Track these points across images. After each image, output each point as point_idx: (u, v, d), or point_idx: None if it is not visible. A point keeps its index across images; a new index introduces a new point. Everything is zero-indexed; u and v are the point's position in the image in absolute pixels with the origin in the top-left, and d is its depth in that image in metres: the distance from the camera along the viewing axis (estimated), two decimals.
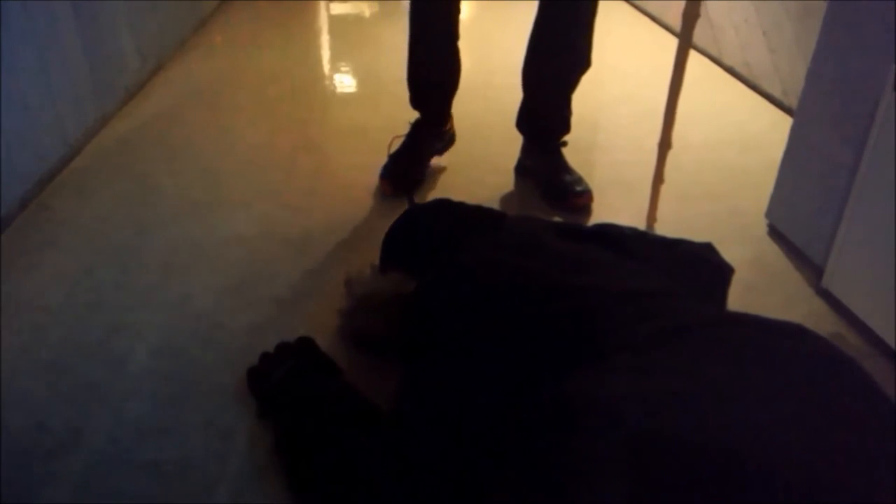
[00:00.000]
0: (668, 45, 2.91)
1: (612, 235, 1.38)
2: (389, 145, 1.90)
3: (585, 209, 1.80)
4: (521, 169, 1.97)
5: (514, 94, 1.88)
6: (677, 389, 0.81)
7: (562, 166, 1.87)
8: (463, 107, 2.00)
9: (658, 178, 1.68)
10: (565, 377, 0.90)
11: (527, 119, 1.90)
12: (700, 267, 1.33)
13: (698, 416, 0.77)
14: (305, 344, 1.29)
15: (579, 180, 1.84)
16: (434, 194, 1.85)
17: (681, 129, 2.16)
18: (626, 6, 3.28)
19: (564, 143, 1.89)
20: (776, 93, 2.36)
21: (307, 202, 1.84)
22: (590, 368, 0.90)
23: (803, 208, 1.60)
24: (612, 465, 0.74)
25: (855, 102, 1.43)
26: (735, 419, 0.76)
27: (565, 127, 1.86)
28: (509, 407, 0.99)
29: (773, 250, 1.68)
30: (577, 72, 1.79)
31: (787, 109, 2.26)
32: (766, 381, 0.81)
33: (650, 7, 3.26)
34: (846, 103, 1.46)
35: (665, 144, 1.63)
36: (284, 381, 1.20)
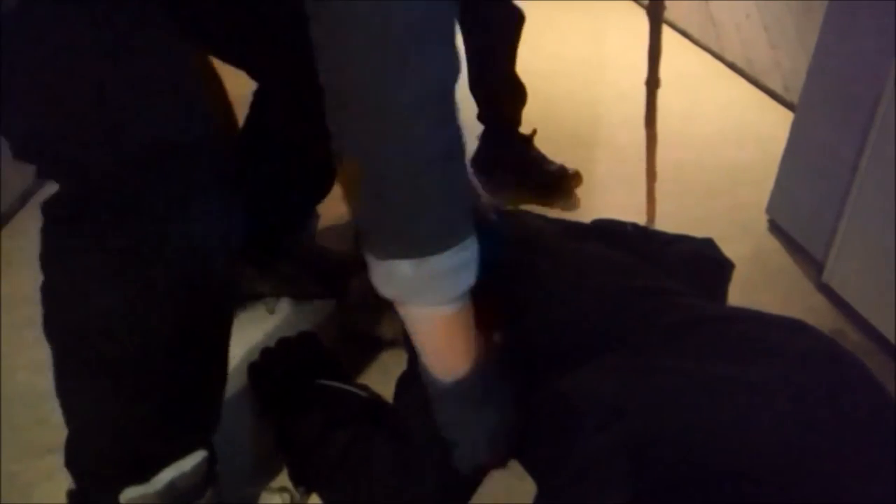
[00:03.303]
0: (672, 42, 2.92)
1: (613, 232, 1.37)
2: None
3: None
4: (485, 164, 1.78)
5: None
6: (677, 388, 0.81)
7: (540, 154, 1.78)
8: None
9: (651, 169, 1.68)
10: (565, 377, 0.90)
11: (485, 97, 1.74)
12: (700, 263, 1.32)
13: (698, 414, 0.77)
14: (307, 340, 1.29)
15: (563, 165, 1.77)
16: None
17: (682, 125, 2.16)
18: (630, 3, 3.26)
19: (534, 132, 1.80)
20: (778, 88, 2.35)
21: None
22: (589, 368, 0.90)
23: (804, 204, 1.60)
24: (612, 465, 0.74)
25: (856, 98, 1.42)
26: (735, 417, 0.76)
27: (523, 94, 1.74)
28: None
29: (773, 246, 1.67)
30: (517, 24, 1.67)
31: (788, 105, 2.25)
32: (766, 377, 0.81)
33: None
34: (847, 99, 1.46)
35: (653, 82, 1.58)
36: (286, 378, 1.20)
